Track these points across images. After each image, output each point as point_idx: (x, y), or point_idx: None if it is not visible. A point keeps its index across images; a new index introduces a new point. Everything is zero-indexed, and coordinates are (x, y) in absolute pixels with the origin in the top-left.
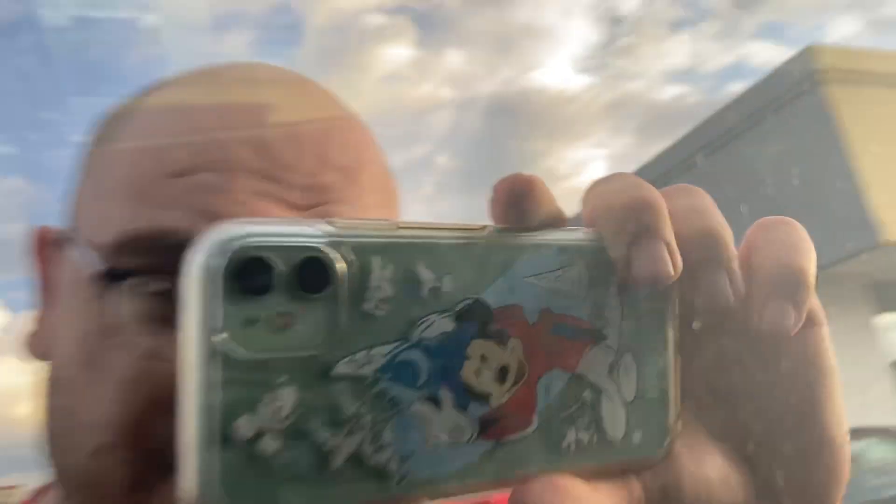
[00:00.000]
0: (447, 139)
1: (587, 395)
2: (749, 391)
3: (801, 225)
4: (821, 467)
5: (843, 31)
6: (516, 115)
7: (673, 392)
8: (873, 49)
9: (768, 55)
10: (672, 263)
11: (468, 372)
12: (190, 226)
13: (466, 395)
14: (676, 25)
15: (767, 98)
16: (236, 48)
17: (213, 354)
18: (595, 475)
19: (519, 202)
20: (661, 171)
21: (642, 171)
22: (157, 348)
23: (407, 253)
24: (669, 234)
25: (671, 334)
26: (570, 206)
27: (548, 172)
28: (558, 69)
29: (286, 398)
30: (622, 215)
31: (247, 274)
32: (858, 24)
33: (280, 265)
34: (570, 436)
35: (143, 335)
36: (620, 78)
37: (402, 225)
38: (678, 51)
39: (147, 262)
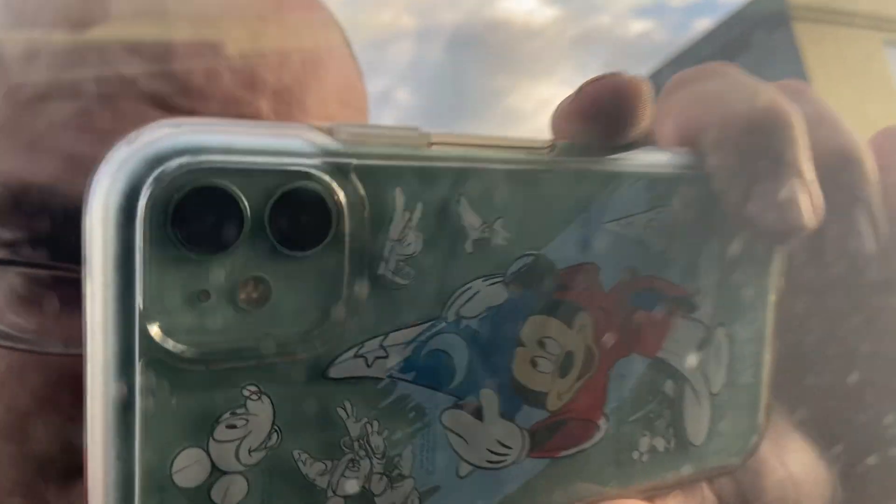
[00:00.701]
0: (408, 72)
1: (668, 387)
2: (850, 363)
3: None
4: None
5: None
6: (480, 49)
7: (766, 378)
8: None
9: None
10: (813, 208)
11: (521, 363)
12: (56, 175)
13: (517, 397)
14: None
15: (735, 35)
16: None
17: (140, 354)
18: (665, 490)
19: (618, 113)
20: None
21: None
22: (33, 337)
23: (444, 183)
24: (810, 166)
25: (772, 300)
26: None
27: (513, 111)
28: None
29: (257, 418)
30: (742, 137)
31: (194, 218)
32: None
33: (249, 203)
34: (643, 444)
35: (12, 321)
36: (586, 11)
37: (436, 139)
38: None
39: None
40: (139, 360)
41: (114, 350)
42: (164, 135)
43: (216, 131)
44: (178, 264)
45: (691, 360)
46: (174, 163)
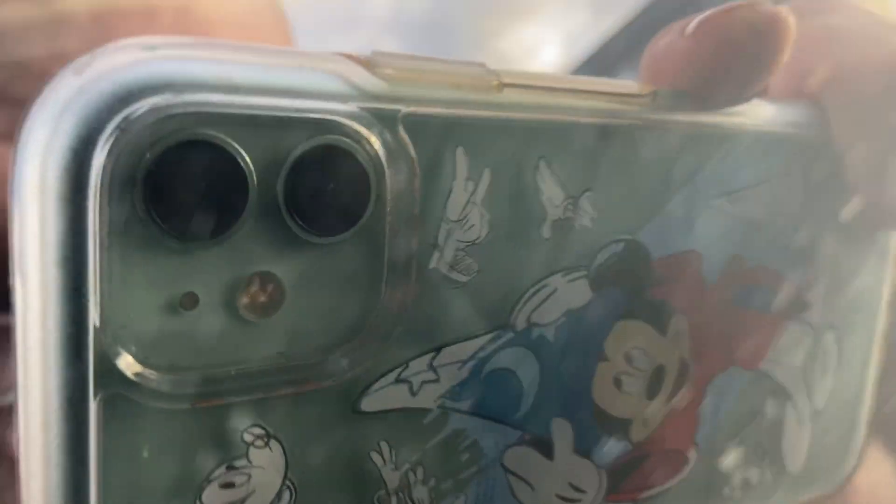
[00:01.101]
0: (391, 22)
1: (769, 406)
2: None
3: None
4: None
5: None
6: None
7: (871, 389)
8: None
9: None
10: None
11: (603, 383)
12: None
13: (595, 427)
14: None
15: None
16: None
17: (96, 388)
18: None
19: (754, 59)
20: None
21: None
22: None
23: (519, 143)
24: None
25: (886, 297)
26: None
27: (501, 56)
28: None
29: (263, 473)
30: (874, 92)
31: (176, 189)
32: None
33: (255, 167)
34: (737, 476)
35: None
36: None
37: (508, 79)
38: None
39: None
40: (94, 399)
41: (58, 384)
42: (132, 60)
43: (209, 58)
44: (153, 256)
45: (796, 372)
46: (145, 103)
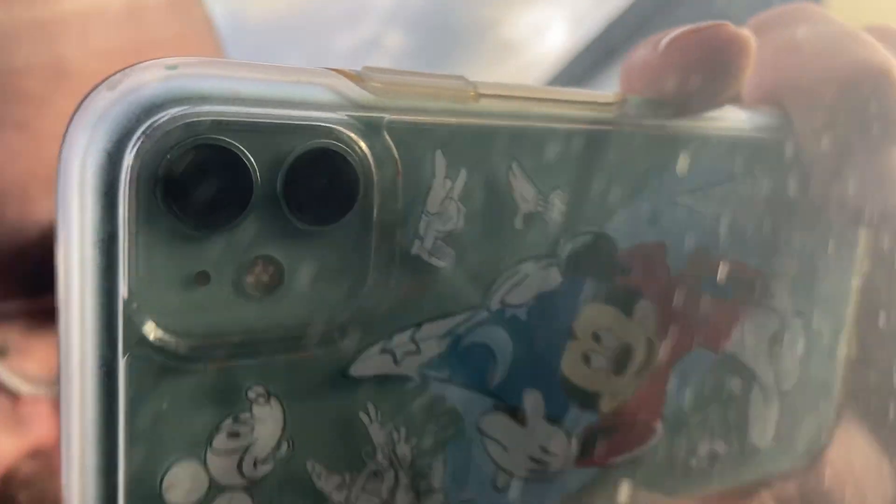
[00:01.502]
0: (395, 14)
1: (735, 385)
2: None
3: None
4: None
5: None
6: None
7: (842, 373)
8: None
9: None
10: None
11: (572, 359)
12: None
13: (565, 398)
14: None
15: None
16: None
17: (124, 349)
18: (723, 497)
19: (717, 73)
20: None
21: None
22: None
23: (494, 146)
24: None
25: (856, 286)
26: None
27: (506, 42)
28: None
29: (264, 425)
30: (835, 100)
31: (191, 184)
32: None
33: (259, 166)
34: (703, 448)
35: None
36: None
37: (484, 90)
38: None
39: None
40: (123, 357)
41: (93, 345)
42: (156, 78)
43: (220, 75)
44: (172, 241)
45: (763, 354)
46: (167, 114)
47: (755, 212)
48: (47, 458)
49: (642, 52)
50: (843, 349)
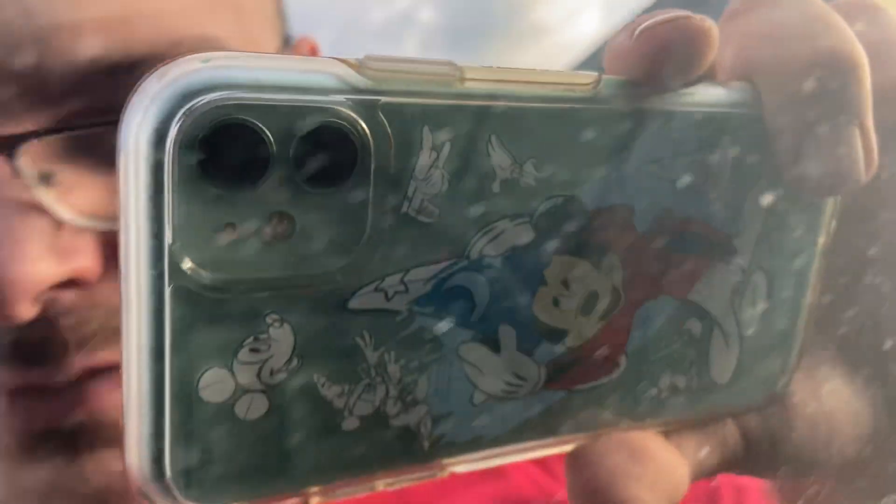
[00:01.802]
0: None
1: (696, 327)
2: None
3: None
4: None
5: None
6: None
7: (804, 323)
8: None
9: None
10: (867, 162)
11: (542, 301)
12: None
13: (536, 334)
14: None
15: None
16: None
17: (170, 280)
18: (684, 426)
19: (683, 60)
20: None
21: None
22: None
23: (475, 123)
24: (868, 114)
25: (821, 244)
26: (560, 63)
27: (540, 24)
28: None
29: (278, 344)
30: (798, 81)
31: (221, 154)
32: None
33: (274, 140)
34: (664, 381)
35: None
36: None
37: (469, 74)
38: None
39: None
40: (168, 286)
41: (146, 276)
42: (194, 69)
43: (244, 66)
44: (205, 198)
45: (723, 302)
46: (203, 99)
47: (721, 179)
48: (89, 288)
49: (620, 38)
50: (807, 302)
